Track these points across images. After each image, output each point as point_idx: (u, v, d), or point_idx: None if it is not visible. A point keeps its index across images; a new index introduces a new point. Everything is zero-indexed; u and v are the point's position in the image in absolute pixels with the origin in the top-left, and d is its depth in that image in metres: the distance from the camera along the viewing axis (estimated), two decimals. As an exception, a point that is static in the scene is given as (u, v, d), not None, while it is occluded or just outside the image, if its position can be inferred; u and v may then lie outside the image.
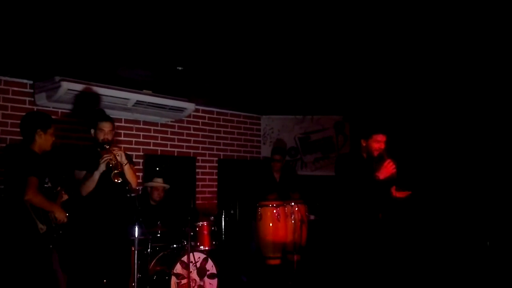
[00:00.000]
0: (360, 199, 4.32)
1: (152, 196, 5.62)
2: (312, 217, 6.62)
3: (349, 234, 4.39)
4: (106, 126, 4.28)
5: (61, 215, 3.88)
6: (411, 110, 6.90)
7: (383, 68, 5.12)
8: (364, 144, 4.42)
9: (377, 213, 4.45)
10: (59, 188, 4.06)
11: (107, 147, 4.15)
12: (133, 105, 5.69)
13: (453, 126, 6.57)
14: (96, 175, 4.12)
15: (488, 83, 5.54)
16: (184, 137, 6.87)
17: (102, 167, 4.11)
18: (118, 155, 4.14)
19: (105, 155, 4.10)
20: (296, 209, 5.74)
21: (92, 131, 4.32)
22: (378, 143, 4.35)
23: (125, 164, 4.17)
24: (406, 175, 6.03)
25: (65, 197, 4.10)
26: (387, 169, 4.23)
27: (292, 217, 5.69)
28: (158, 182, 5.69)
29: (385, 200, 4.49)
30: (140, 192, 6.07)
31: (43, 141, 3.91)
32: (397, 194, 4.65)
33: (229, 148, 7.45)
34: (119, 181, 4.05)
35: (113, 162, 4.09)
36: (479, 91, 5.86)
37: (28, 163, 3.75)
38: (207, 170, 7.14)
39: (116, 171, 4.05)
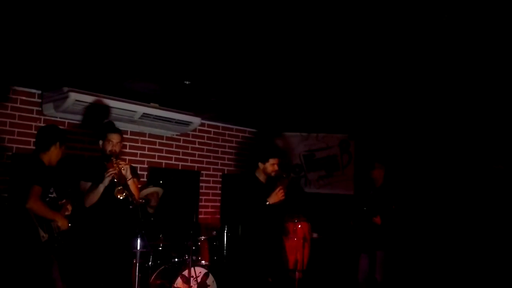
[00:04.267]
0: (250, 220, 4.78)
1: (150, 203, 5.61)
2: (315, 235, 6.59)
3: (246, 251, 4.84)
4: (114, 138, 4.30)
5: (64, 223, 3.91)
6: (417, 128, 6.91)
7: (389, 86, 5.14)
8: (261, 167, 4.86)
9: (271, 233, 4.84)
10: (64, 201, 4.08)
11: (114, 159, 4.16)
12: (139, 118, 5.71)
13: (457, 139, 6.65)
14: (101, 188, 4.13)
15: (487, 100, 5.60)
16: (189, 151, 6.88)
17: (107, 181, 4.12)
18: (123, 169, 4.15)
19: (110, 169, 4.10)
20: (299, 226, 5.71)
21: (101, 142, 4.34)
22: (272, 166, 4.83)
23: (129, 179, 4.18)
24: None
25: (70, 208, 4.11)
26: (277, 195, 4.69)
27: (295, 235, 5.67)
28: (150, 187, 5.69)
29: (277, 222, 4.93)
30: (143, 202, 6.06)
31: (55, 154, 4.00)
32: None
33: (233, 163, 7.46)
34: (122, 198, 4.05)
35: (118, 177, 4.09)
36: (481, 112, 5.90)
37: (33, 172, 3.78)
38: (211, 185, 7.14)
39: (119, 187, 4.05)
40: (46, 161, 3.93)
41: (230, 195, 5.12)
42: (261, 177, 4.89)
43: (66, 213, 4.07)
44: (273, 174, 4.84)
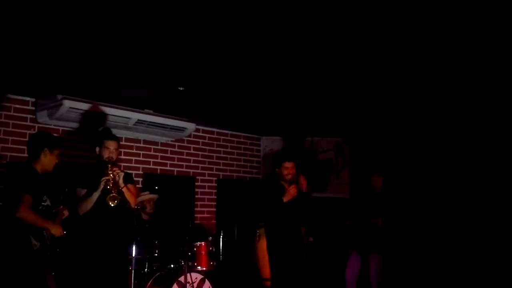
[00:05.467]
0: (270, 222, 4.98)
1: (146, 210, 5.60)
2: (311, 238, 6.61)
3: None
4: (111, 145, 4.30)
5: (57, 231, 3.87)
6: (411, 131, 6.94)
7: (382, 90, 5.16)
8: (278, 173, 4.99)
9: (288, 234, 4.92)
10: (61, 207, 4.06)
11: (109, 166, 4.16)
12: (134, 124, 5.71)
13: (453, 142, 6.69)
14: (95, 196, 4.12)
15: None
16: (184, 157, 6.89)
17: (101, 189, 4.11)
18: (117, 177, 4.15)
19: (104, 177, 4.11)
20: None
21: (97, 149, 4.33)
22: (287, 169, 4.91)
23: (122, 187, 4.17)
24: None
25: (66, 213, 4.09)
26: (290, 192, 4.79)
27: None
28: (146, 194, 5.70)
29: (292, 221, 4.96)
30: (139, 211, 6.07)
31: (47, 160, 3.95)
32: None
33: (228, 168, 7.46)
34: (113, 205, 4.04)
35: (111, 184, 4.10)
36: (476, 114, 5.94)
37: (25, 181, 3.76)
38: (206, 190, 7.14)
39: (111, 195, 4.04)
40: (39, 169, 3.91)
41: (254, 199, 5.26)
42: (285, 183, 4.95)
43: (63, 217, 4.05)
44: (288, 177, 4.89)
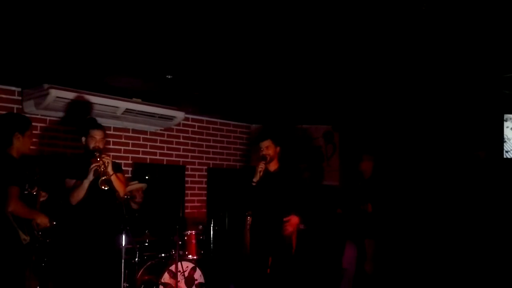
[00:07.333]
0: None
1: (135, 199, 5.58)
2: (301, 226, 6.62)
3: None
4: (97, 134, 4.28)
5: (43, 220, 3.77)
6: (400, 117, 6.97)
7: (370, 78, 5.17)
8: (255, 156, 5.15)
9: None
10: (36, 189, 3.91)
11: (97, 154, 4.14)
12: (122, 113, 5.67)
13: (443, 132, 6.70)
14: (86, 183, 4.11)
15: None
16: (174, 146, 6.86)
17: (91, 176, 4.11)
18: (106, 163, 4.14)
19: (93, 164, 4.09)
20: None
21: (83, 139, 4.31)
22: (261, 150, 4.82)
23: (111, 175, 4.15)
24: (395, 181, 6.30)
25: (44, 195, 4.00)
26: (256, 171, 4.77)
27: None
28: (135, 183, 5.69)
29: (264, 202, 4.88)
30: (128, 200, 6.05)
31: (21, 144, 3.77)
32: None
33: (218, 157, 7.45)
34: (107, 188, 4.04)
35: (101, 170, 4.08)
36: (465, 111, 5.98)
37: (8, 172, 3.59)
38: (196, 179, 7.12)
39: (103, 178, 4.05)
40: (15, 154, 3.73)
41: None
42: (269, 167, 4.87)
43: (42, 199, 3.95)
44: (268, 158, 4.80)
